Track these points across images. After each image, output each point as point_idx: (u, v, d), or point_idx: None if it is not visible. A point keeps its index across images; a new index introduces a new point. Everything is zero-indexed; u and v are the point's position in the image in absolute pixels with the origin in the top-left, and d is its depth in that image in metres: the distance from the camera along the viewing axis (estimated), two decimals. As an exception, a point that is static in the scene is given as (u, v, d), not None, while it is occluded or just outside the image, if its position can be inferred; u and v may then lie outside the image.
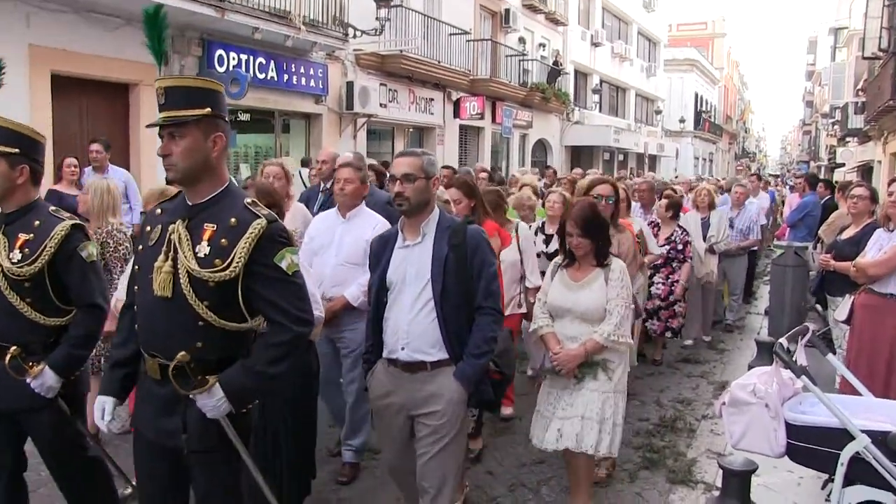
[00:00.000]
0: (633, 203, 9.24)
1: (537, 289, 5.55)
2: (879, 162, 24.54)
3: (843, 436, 3.33)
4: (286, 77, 13.36)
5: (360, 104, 15.05)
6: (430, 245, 3.34)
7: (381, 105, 16.12)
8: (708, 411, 6.24)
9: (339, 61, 15.05)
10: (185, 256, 2.55)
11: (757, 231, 9.78)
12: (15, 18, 9.19)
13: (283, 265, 2.59)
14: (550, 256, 6.12)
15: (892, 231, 5.09)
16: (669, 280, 7.66)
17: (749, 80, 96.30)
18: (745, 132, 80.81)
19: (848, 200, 6.33)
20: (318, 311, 3.76)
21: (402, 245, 3.41)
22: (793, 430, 3.49)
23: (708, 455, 5.29)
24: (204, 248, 2.55)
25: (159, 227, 2.68)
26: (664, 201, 8.09)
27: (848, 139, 31.55)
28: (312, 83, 14.08)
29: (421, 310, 3.29)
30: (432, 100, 18.66)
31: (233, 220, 2.57)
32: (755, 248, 10.74)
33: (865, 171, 28.68)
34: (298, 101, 14.17)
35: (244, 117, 13.76)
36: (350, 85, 15.05)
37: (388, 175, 3.75)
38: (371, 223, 4.63)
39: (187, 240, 2.57)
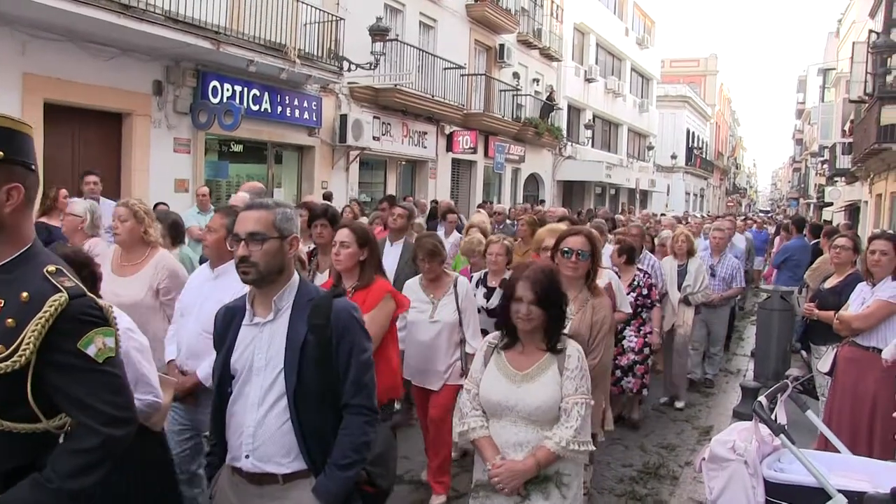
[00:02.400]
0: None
1: None
2: (866, 202, 24.85)
3: (820, 495, 3.33)
4: (280, 109, 13.45)
5: (354, 137, 15.14)
6: (285, 324, 2.66)
7: (374, 138, 16.22)
8: (691, 457, 6.22)
9: (333, 94, 15.17)
10: None
11: (740, 279, 8.99)
12: (10, 46, 9.25)
13: (91, 352, 2.03)
14: (492, 313, 5.52)
15: (875, 286, 5.14)
16: (642, 332, 6.87)
17: (741, 116, 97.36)
18: (737, 168, 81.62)
19: (831, 250, 6.39)
20: (153, 397, 3.17)
21: (249, 322, 2.71)
22: (771, 487, 3.50)
23: (690, 504, 5.29)
24: None
25: None
26: (616, 246, 7.18)
27: (836, 178, 31.88)
28: (306, 115, 14.18)
29: (271, 408, 2.60)
30: (425, 133, 18.79)
31: (24, 294, 1.98)
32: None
33: (853, 210, 28.99)
34: (292, 133, 14.25)
35: (237, 148, 13.84)
36: (344, 118, 15.15)
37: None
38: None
39: None
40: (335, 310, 2.67)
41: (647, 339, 6.86)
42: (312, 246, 6.03)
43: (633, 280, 6.87)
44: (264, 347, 2.65)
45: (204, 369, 3.74)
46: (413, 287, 5.11)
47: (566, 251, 4.09)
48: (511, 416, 3.12)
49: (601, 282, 5.10)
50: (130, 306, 3.94)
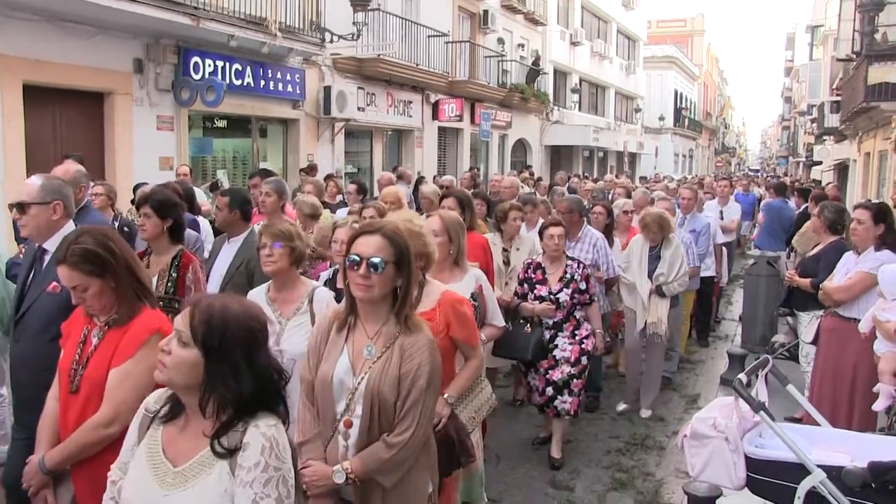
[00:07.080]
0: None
1: None
2: (854, 161, 24.90)
3: (799, 470, 3.39)
4: (263, 83, 13.29)
5: (338, 108, 15.01)
6: None
7: (358, 109, 16.08)
8: (678, 427, 6.29)
9: (316, 66, 15.00)
10: None
11: (694, 258, 7.31)
12: (-15, 28, 9.10)
13: None
14: None
15: (860, 255, 5.18)
16: (577, 336, 5.48)
17: (729, 75, 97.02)
18: (725, 128, 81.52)
19: (813, 218, 6.43)
20: None
21: None
22: (752, 463, 3.56)
23: (676, 475, 5.36)
24: None
25: None
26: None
27: (825, 137, 31.91)
28: (289, 88, 14.03)
29: None
30: (411, 102, 18.65)
31: None
32: (713, 275, 8.90)
33: (842, 169, 29.04)
34: (275, 107, 14.12)
35: (221, 123, 13.73)
36: (327, 89, 15.00)
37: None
38: None
39: None
40: None
41: (583, 347, 5.48)
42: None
43: (566, 273, 5.50)
44: None
45: None
46: (259, 299, 3.60)
47: (353, 259, 2.64)
48: None
49: (465, 286, 4.02)
50: None
